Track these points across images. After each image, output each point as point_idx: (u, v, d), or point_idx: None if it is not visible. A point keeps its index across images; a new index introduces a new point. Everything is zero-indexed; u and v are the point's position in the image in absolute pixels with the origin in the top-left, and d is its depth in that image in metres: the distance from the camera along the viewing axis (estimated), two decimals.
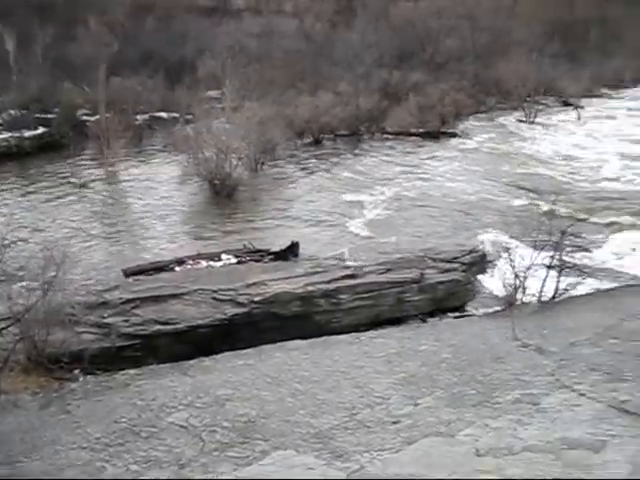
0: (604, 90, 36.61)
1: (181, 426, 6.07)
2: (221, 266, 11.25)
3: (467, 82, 31.01)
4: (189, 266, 11.20)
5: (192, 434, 5.92)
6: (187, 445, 5.73)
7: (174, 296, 9.21)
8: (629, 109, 31.54)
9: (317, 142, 23.42)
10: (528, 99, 29.17)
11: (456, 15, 37.37)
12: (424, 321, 9.72)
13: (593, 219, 14.20)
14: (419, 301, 10.00)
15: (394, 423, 5.91)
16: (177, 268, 11.08)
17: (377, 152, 22.27)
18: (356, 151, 22.45)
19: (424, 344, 7.81)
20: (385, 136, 24.55)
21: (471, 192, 17.32)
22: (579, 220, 11.61)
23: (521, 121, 28.14)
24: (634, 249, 12.79)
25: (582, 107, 30.67)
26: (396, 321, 9.60)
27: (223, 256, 11.58)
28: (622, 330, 7.45)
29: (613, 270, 11.62)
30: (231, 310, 8.96)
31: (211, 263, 11.34)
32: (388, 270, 10.44)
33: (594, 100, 33.55)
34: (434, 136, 24.40)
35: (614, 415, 5.43)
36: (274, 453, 5.57)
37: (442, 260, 11.00)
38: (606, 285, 10.73)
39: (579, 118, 28.92)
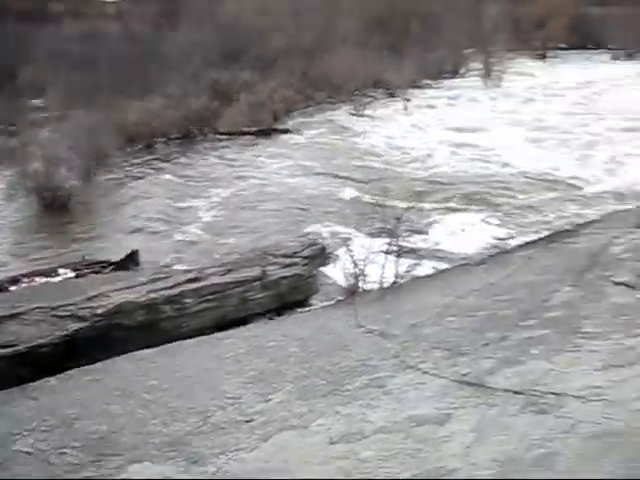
0: (427, 81, 38.28)
1: (27, 452, 5.72)
2: (59, 281, 10.80)
3: (296, 79, 31.45)
4: (24, 284, 10.68)
5: (39, 459, 5.60)
6: (35, 471, 5.43)
7: (11, 317, 8.66)
8: (449, 98, 33.18)
9: (149, 147, 22.88)
10: (357, 93, 30.02)
11: (281, 12, 37.85)
12: (270, 318, 9.78)
13: (426, 204, 14.81)
14: (263, 298, 10.03)
15: (247, 422, 5.87)
16: (11, 288, 10.54)
17: (210, 153, 22.11)
18: (189, 154, 22.16)
19: (272, 340, 7.81)
20: (218, 137, 24.37)
21: (307, 187, 17.60)
22: (413, 206, 11.99)
23: (351, 114, 28.88)
24: (463, 229, 13.54)
25: (408, 99, 31.92)
26: (243, 320, 9.58)
27: (60, 271, 11.11)
28: (458, 307, 7.76)
29: (447, 251, 12.23)
30: (73, 325, 8.54)
31: (48, 279, 10.86)
32: (230, 270, 10.40)
33: (417, 91, 35.00)
34: (267, 133, 24.60)
35: (456, 388, 5.64)
36: (129, 467, 5.36)
37: (283, 255, 11.10)
38: (442, 265, 11.26)
39: (406, 109, 30.03)
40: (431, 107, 30.81)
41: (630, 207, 13.86)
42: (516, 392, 5.26)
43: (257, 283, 10.10)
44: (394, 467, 4.76)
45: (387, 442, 5.11)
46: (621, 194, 16.57)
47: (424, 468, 4.64)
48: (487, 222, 14.26)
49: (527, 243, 11.00)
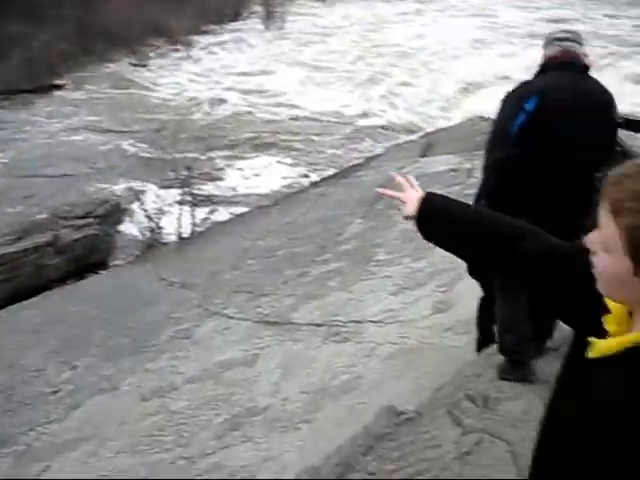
0: (209, 26, 37.52)
1: None
2: None
3: (71, 30, 29.73)
4: None
5: None
6: None
7: None
8: (233, 42, 32.77)
9: None
10: (138, 42, 28.95)
11: None
12: (68, 284, 9.37)
13: (218, 151, 14.73)
14: (59, 263, 9.56)
15: (55, 392, 5.62)
16: None
17: None
18: None
19: (72, 306, 7.51)
20: None
21: (94, 144, 16.89)
22: (205, 153, 11.89)
23: (133, 65, 27.86)
24: (257, 173, 13.63)
25: (191, 46, 31.23)
26: (40, 289, 9.11)
27: None
28: (257, 249, 7.84)
29: (243, 195, 12.24)
30: None
31: None
32: (19, 238, 9.79)
33: (199, 37, 34.28)
34: (45, 91, 23.19)
35: (261, 329, 5.72)
36: None
37: (75, 217, 10.59)
38: (239, 210, 11.26)
39: (189, 57, 29.45)
40: (214, 53, 30.37)
41: (414, 138, 14.60)
42: (318, 325, 5.43)
43: (50, 248, 9.58)
44: (207, 414, 4.77)
45: (198, 391, 5.11)
46: (406, 126, 17.38)
47: (237, 410, 4.69)
48: (280, 164, 14.41)
49: (320, 180, 11.29)
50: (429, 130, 15.20)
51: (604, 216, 1.13)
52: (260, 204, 11.02)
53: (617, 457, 1.10)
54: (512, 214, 3.59)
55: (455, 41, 25.04)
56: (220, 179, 12.87)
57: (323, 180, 10.94)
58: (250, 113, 19.37)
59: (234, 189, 12.50)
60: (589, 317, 1.27)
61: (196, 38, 33.37)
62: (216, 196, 11.07)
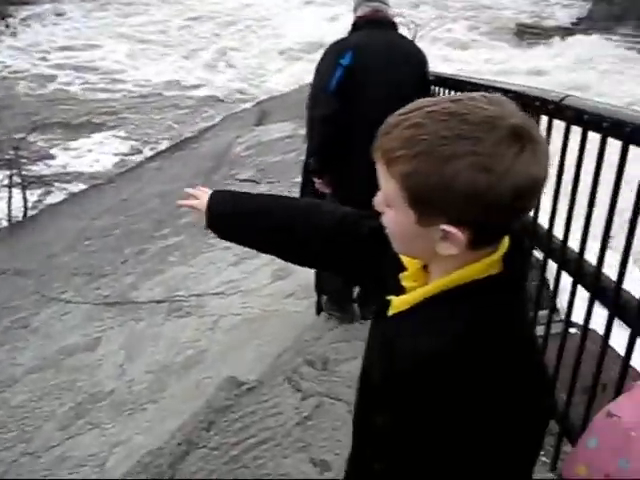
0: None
1: None
2: None
3: None
4: None
5: None
6: None
7: None
8: (54, 14, 31.06)
9: None
10: None
11: None
12: None
13: (48, 130, 14.05)
14: None
15: None
16: None
17: None
18: None
19: None
20: None
21: None
22: (33, 132, 11.34)
23: None
24: (91, 149, 13.16)
25: (7, 16, 29.28)
26: None
27: None
28: (94, 229, 7.62)
29: (77, 173, 11.78)
30: None
31: None
32: None
33: (15, 7, 32.22)
34: None
35: (102, 310, 5.58)
36: None
37: None
38: (74, 189, 10.85)
39: (7, 26, 27.66)
40: (31, 26, 28.69)
41: (248, 107, 14.57)
42: (160, 301, 5.36)
43: None
44: (50, 404, 4.62)
45: (40, 381, 4.93)
46: (239, 95, 17.30)
47: (81, 397, 4.57)
48: (114, 140, 13.98)
49: (155, 155, 11.07)
50: (263, 98, 15.23)
51: (381, 171, 1.09)
52: (95, 182, 10.67)
53: (419, 421, 1.10)
54: (339, 171, 3.72)
55: (282, 6, 25.11)
56: (51, 158, 12.33)
57: (158, 154, 10.73)
58: (78, 89, 18.59)
59: (66, 168, 12.01)
60: (386, 280, 1.28)
61: (12, 9, 31.38)
62: (47, 176, 10.61)
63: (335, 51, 3.67)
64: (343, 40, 3.78)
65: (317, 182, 3.86)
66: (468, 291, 1.09)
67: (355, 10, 3.87)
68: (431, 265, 1.16)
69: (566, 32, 23.40)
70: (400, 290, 1.21)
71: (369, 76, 3.59)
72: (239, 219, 1.63)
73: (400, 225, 1.11)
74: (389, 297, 1.21)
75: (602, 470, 0.97)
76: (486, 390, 1.03)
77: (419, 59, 3.85)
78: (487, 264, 1.09)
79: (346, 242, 1.45)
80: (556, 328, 2.61)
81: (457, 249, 1.06)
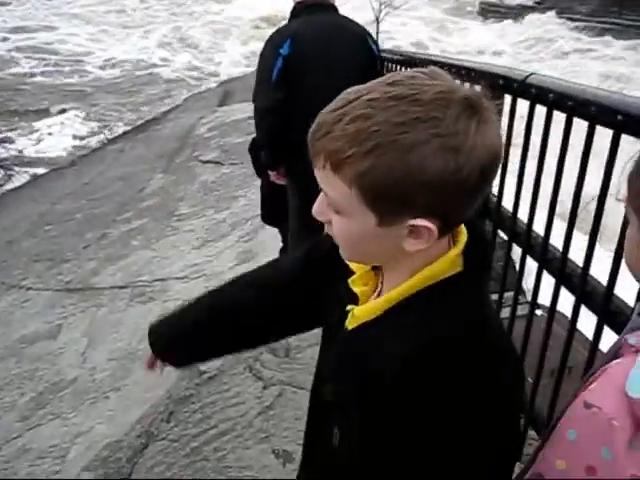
0: None
1: None
2: None
3: None
4: None
5: None
6: None
7: None
8: None
9: None
10: None
11: None
12: None
13: (7, 114, 13.82)
14: None
15: None
16: None
17: None
18: None
19: None
20: None
21: None
22: None
23: None
24: (50, 132, 12.90)
25: None
26: None
27: None
28: (55, 214, 7.47)
29: (36, 157, 11.53)
30: None
31: None
32: None
33: None
34: None
35: (64, 297, 5.47)
36: None
37: None
38: (34, 172, 10.58)
39: None
40: None
41: (212, 87, 14.40)
42: (122, 287, 5.27)
43: None
44: (11, 395, 4.52)
45: (0, 371, 4.82)
46: (200, 75, 17.08)
47: (43, 387, 4.48)
48: (74, 123, 13.69)
49: (117, 137, 10.89)
50: (225, 79, 15.07)
51: (324, 177, 0.98)
52: (55, 166, 10.46)
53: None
54: (289, 163, 3.65)
55: None
56: (10, 141, 12.07)
57: (120, 136, 10.56)
58: (38, 73, 18.22)
59: (25, 152, 11.76)
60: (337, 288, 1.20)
61: None
62: (7, 159, 10.36)
63: (274, 40, 3.59)
64: (283, 28, 3.69)
65: (272, 175, 3.80)
66: (436, 292, 1.01)
67: None
68: (390, 265, 1.07)
69: (529, 11, 23.50)
70: (352, 297, 1.12)
71: (308, 64, 3.51)
72: (188, 330, 1.57)
73: (355, 231, 1.00)
74: (349, 307, 1.12)
75: (583, 462, 0.94)
76: (465, 397, 0.96)
77: (363, 38, 3.77)
78: (452, 259, 1.02)
79: (304, 290, 1.40)
80: (522, 310, 2.59)
81: (426, 243, 0.97)
